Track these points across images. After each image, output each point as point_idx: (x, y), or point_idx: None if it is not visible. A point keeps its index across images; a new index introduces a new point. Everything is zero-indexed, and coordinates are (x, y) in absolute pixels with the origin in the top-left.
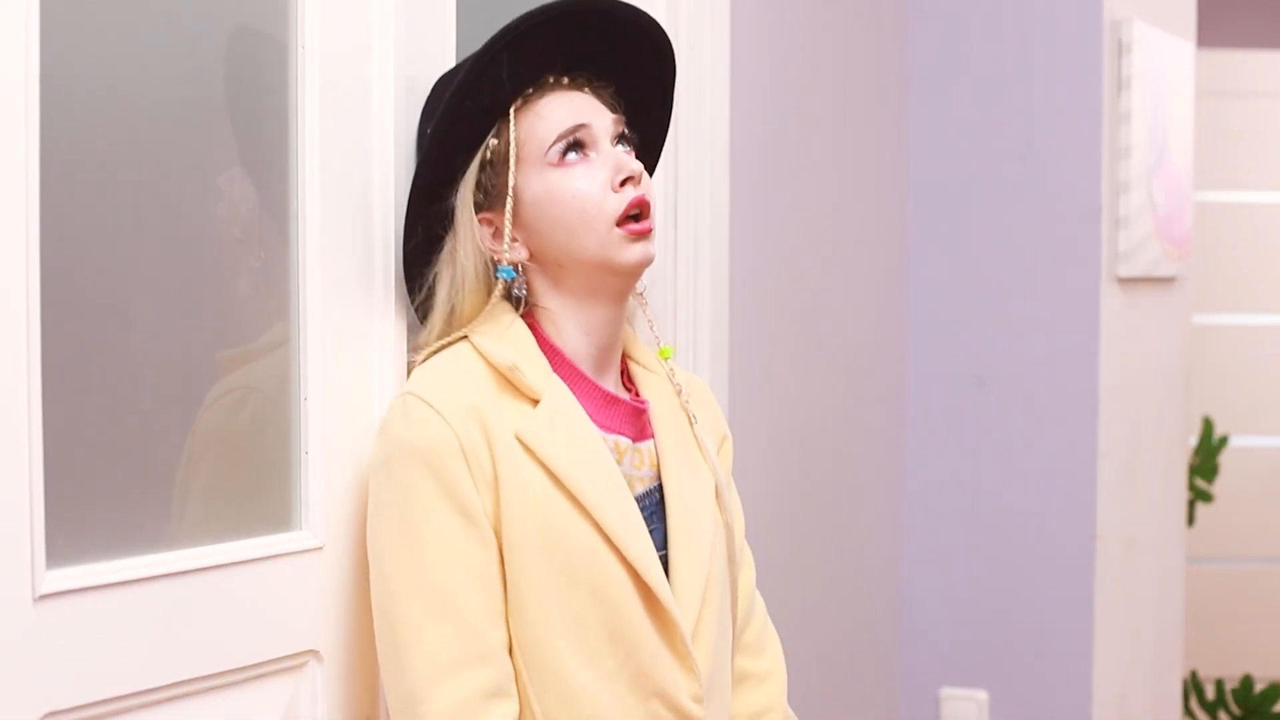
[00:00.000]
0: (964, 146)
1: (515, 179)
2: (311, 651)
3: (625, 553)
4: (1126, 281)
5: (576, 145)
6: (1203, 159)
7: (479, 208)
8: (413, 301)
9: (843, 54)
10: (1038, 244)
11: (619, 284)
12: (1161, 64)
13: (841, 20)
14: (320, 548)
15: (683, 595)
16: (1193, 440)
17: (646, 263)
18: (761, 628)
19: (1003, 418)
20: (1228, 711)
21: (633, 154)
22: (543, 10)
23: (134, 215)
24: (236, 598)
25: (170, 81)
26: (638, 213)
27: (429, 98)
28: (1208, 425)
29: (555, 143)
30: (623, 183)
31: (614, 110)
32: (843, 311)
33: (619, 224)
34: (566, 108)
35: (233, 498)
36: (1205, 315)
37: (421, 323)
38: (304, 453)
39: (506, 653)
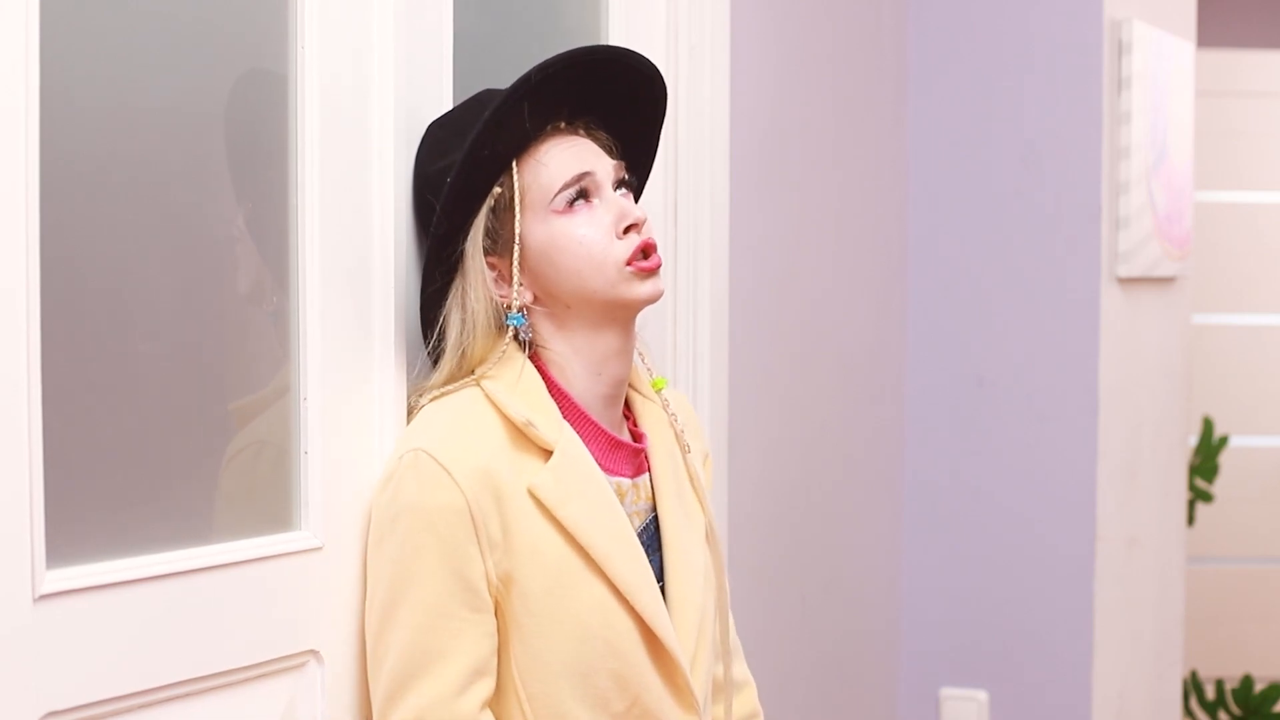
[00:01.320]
0: (964, 147)
1: (520, 225)
2: (311, 651)
3: (635, 604)
4: (1126, 281)
5: (581, 193)
6: (1203, 159)
7: (486, 252)
8: (426, 343)
9: (843, 54)
10: (1038, 244)
11: (627, 315)
12: (1161, 64)
13: (841, 21)
14: (320, 548)
15: (682, 630)
16: (1193, 440)
17: (656, 297)
18: (732, 629)
19: (1003, 418)
20: (1228, 711)
21: (633, 198)
22: (562, 58)
23: (134, 220)
24: (236, 598)
25: (170, 101)
26: (644, 252)
27: (428, 140)
28: (1208, 425)
29: (560, 191)
30: (626, 229)
31: (610, 153)
32: (843, 311)
33: (628, 263)
34: (569, 154)
35: (237, 500)
36: (1205, 315)
37: (434, 365)
38: (304, 453)
39: (479, 709)
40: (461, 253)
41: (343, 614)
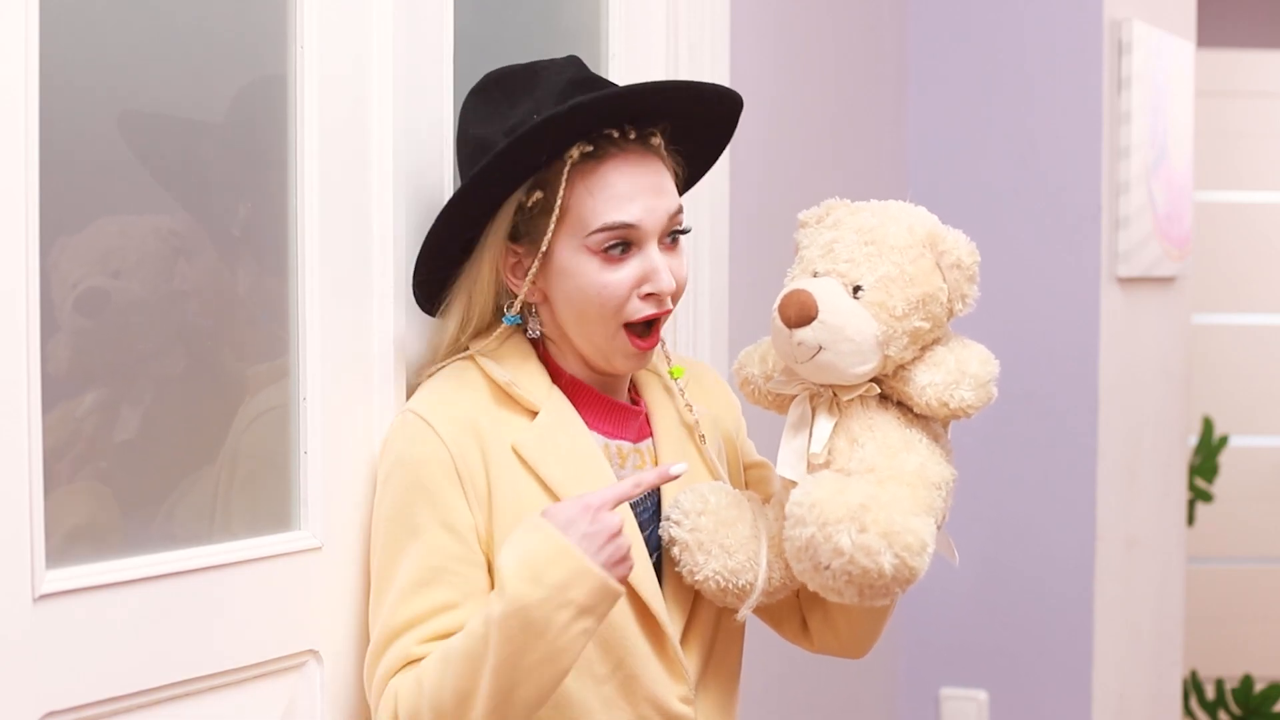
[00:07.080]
0: (963, 146)
1: (550, 242)
2: (311, 651)
3: None
4: (1126, 281)
5: (622, 243)
6: (1203, 159)
7: (513, 237)
8: (424, 307)
9: (843, 54)
10: (1038, 244)
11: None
12: (1161, 64)
13: (841, 20)
14: (320, 548)
15: (673, 600)
16: (1193, 440)
17: (638, 370)
18: None
19: (1003, 418)
20: (1228, 711)
21: (679, 248)
22: (607, 96)
23: (133, 221)
24: (236, 598)
25: (170, 101)
26: (647, 325)
27: (478, 96)
28: (1208, 425)
29: (599, 232)
30: (648, 295)
31: (676, 177)
32: None
33: (627, 327)
34: (625, 188)
35: (241, 498)
36: (1205, 315)
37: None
38: (304, 453)
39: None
40: (480, 242)
41: (343, 614)
